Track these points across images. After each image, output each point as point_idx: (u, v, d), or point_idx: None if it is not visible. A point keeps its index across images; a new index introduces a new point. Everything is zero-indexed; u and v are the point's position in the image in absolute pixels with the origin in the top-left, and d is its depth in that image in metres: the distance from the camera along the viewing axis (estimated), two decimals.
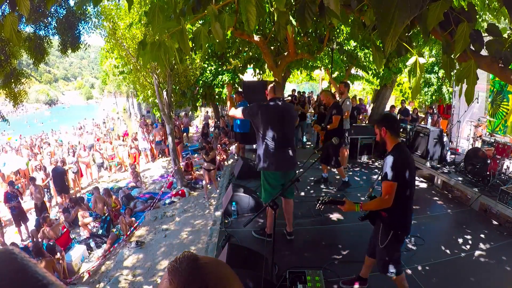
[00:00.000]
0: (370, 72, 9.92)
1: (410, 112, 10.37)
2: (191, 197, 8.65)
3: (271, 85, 3.34)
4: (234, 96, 6.59)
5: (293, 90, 13.36)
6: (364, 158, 7.45)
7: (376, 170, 6.66)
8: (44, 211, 7.71)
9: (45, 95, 64.47)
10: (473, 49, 1.50)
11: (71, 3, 7.42)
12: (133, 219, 7.37)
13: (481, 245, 3.64)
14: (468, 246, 3.61)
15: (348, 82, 7.68)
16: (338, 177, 5.87)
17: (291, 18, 2.05)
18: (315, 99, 13.94)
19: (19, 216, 7.72)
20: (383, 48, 1.34)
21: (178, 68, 8.87)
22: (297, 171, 3.49)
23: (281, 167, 3.25)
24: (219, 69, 10.55)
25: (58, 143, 15.78)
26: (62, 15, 7.31)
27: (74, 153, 10.73)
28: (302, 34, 6.59)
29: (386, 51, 1.29)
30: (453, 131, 7.97)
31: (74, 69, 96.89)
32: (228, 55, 10.11)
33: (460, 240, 3.71)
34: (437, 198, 5.23)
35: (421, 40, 6.70)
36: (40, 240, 6.31)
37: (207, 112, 19.07)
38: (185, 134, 15.57)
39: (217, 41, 1.57)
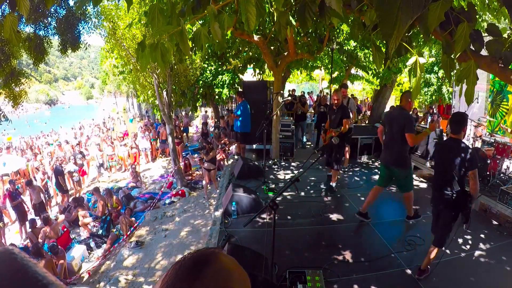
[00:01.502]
0: (370, 72, 9.92)
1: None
2: (191, 197, 8.64)
3: (402, 93, 4.18)
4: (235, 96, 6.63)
5: (293, 90, 13.36)
6: (364, 158, 7.44)
7: (376, 170, 6.66)
8: (43, 211, 7.70)
9: (45, 95, 64.49)
10: (473, 49, 1.50)
11: (71, 3, 7.43)
12: (133, 219, 7.37)
13: (481, 245, 3.64)
14: (468, 246, 3.61)
15: (345, 83, 7.75)
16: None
17: (291, 18, 2.05)
18: (315, 99, 13.95)
19: (21, 215, 7.72)
20: (386, 49, 1.34)
21: (178, 68, 8.86)
22: (402, 169, 3.91)
23: (382, 159, 4.10)
24: (219, 69, 10.52)
25: (57, 144, 15.75)
26: (62, 15, 7.31)
27: (76, 162, 10.56)
28: (302, 34, 6.58)
29: (390, 52, 1.29)
30: None
31: (74, 69, 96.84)
32: (228, 55, 10.09)
33: (460, 240, 3.71)
34: None
35: (421, 40, 6.70)
36: (40, 240, 6.31)
37: (206, 111, 19.07)
38: (185, 134, 15.57)
39: (217, 41, 1.57)
